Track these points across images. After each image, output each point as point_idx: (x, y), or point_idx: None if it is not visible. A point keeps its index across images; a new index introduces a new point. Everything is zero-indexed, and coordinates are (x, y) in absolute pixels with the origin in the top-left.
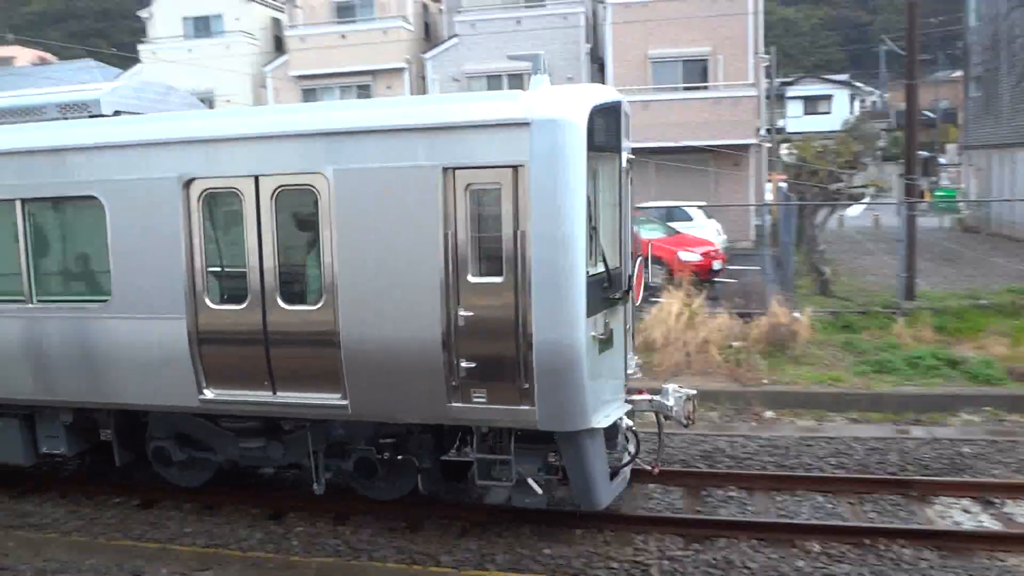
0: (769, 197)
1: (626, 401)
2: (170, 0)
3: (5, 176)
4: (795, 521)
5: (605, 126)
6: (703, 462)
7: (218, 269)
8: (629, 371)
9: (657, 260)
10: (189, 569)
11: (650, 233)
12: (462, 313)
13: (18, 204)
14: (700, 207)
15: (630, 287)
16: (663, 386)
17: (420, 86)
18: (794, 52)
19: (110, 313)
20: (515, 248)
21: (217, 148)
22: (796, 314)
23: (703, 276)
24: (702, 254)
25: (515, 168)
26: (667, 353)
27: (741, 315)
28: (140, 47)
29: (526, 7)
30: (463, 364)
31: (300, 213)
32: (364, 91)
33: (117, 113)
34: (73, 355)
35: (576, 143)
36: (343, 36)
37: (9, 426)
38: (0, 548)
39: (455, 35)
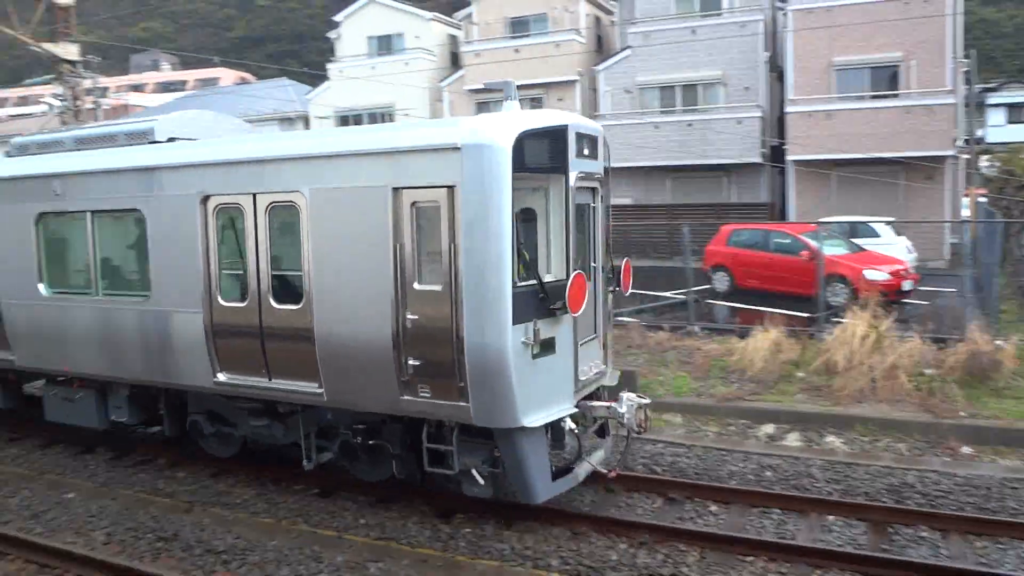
0: (966, 213)
1: (578, 406)
2: (357, 22)
3: (81, 192)
4: (998, 571)
5: (546, 148)
6: (889, 496)
7: (227, 271)
8: (583, 378)
9: (840, 278)
10: (362, 559)
11: (832, 250)
12: (409, 316)
13: (88, 215)
14: (888, 223)
15: (563, 299)
16: (620, 394)
17: (592, 98)
18: (996, 55)
19: (149, 306)
20: (450, 260)
21: (226, 170)
22: (999, 342)
23: (891, 297)
24: (890, 273)
25: (450, 188)
26: (850, 377)
27: (935, 340)
28: (329, 66)
29: (702, 16)
30: (410, 362)
31: (286, 225)
32: (536, 104)
33: (171, 139)
34: (124, 340)
35: (500, 165)
36: (516, 50)
37: (88, 396)
38: (199, 523)
39: (628, 47)
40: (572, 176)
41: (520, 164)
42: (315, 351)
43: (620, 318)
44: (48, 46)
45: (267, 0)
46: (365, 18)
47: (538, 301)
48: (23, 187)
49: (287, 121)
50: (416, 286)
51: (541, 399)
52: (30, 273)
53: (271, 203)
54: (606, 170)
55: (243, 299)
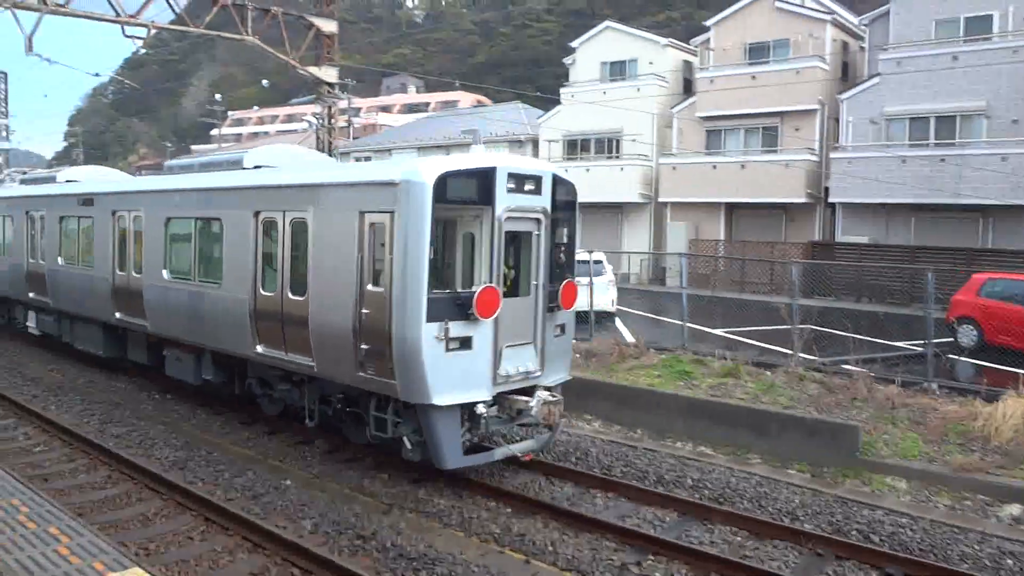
0: None
1: (499, 397)
2: (592, 47)
3: (191, 204)
4: None
5: (472, 185)
6: None
7: (267, 268)
8: (505, 374)
9: None
10: None
11: None
12: (363, 311)
13: (193, 221)
14: None
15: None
16: (536, 392)
17: (832, 129)
18: None
19: (222, 292)
20: (389, 269)
21: (270, 192)
22: None
23: None
24: None
25: (391, 213)
26: None
27: None
28: (561, 90)
29: (965, 41)
30: (363, 346)
31: (299, 236)
32: (770, 133)
33: (257, 167)
34: (207, 316)
35: (423, 198)
36: (753, 77)
37: (189, 358)
38: (395, 525)
39: (877, 74)
40: (499, 209)
41: (442, 197)
42: (309, 333)
43: (846, 366)
44: (312, 70)
45: (508, 27)
46: (600, 44)
47: (454, 306)
48: (161, 198)
49: (517, 144)
50: (369, 287)
51: (454, 385)
52: (159, 261)
53: (292, 219)
54: (568, 203)
55: (273, 290)
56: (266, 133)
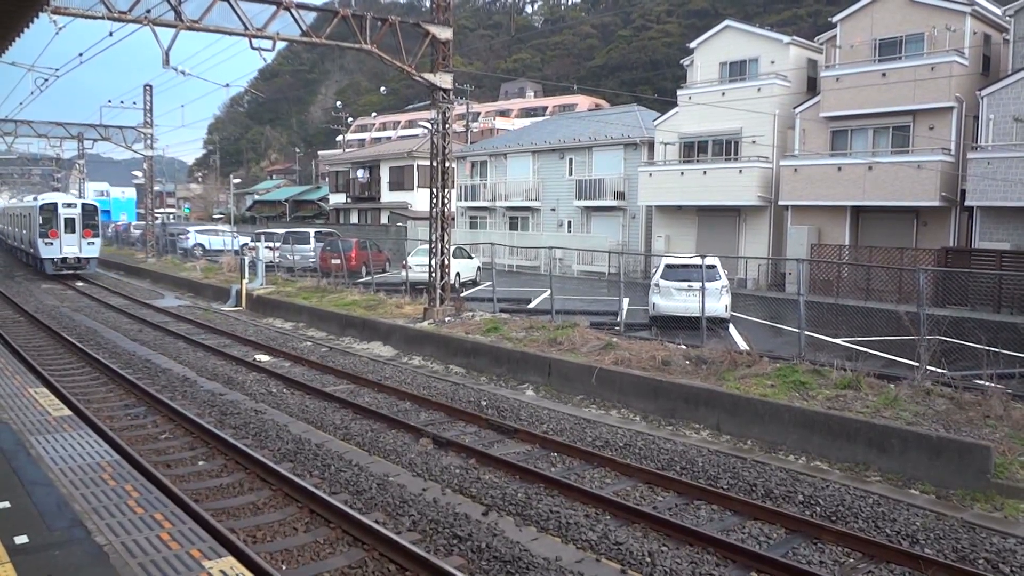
0: None
1: (63, 258)
2: (710, 48)
3: (19, 213)
4: None
5: (52, 205)
6: None
7: (26, 228)
8: (66, 251)
9: None
10: None
11: None
12: (34, 236)
13: (22, 216)
14: None
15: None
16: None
17: (971, 127)
18: None
19: (26, 232)
20: (33, 226)
21: (26, 208)
22: None
23: None
24: None
25: (31, 215)
26: None
27: None
28: (678, 92)
29: None
30: (34, 243)
31: (27, 220)
32: (901, 132)
33: (41, 202)
34: (25, 242)
35: (37, 210)
36: (883, 75)
37: (21, 251)
38: (492, 527)
39: (1022, 68)
40: (59, 211)
41: (43, 210)
42: (29, 242)
43: (979, 381)
44: (427, 76)
45: (628, 30)
46: (719, 44)
47: (47, 233)
48: (16, 209)
49: (632, 146)
50: (31, 229)
51: (50, 253)
52: (15, 225)
53: (30, 215)
54: (90, 210)
55: (27, 232)
56: (388, 138)
